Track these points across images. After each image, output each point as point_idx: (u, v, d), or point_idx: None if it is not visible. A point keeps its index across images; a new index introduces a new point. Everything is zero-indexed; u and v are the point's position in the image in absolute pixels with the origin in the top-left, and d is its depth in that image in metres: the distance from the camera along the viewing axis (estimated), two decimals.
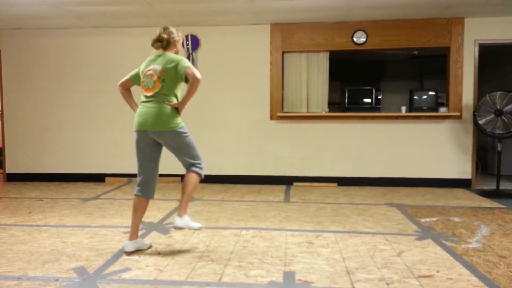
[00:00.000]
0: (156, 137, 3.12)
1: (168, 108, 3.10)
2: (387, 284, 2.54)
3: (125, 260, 2.96)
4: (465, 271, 2.75)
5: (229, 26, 6.05)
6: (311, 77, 6.12)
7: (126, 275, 2.68)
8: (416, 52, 6.94)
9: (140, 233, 3.61)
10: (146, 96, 3.15)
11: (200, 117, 6.22)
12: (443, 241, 3.40)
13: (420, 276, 2.66)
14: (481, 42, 5.78)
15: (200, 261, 2.94)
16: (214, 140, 6.15)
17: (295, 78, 6.14)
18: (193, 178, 3.16)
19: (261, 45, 6.12)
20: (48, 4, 5.12)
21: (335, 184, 6.10)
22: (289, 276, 2.68)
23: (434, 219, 4.16)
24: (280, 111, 6.10)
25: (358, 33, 5.93)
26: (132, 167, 6.34)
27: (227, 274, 2.71)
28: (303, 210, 4.56)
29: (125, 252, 3.11)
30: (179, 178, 6.33)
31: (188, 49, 6.16)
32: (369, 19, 5.88)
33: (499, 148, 5.50)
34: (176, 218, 3.09)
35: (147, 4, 5.13)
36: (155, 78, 3.09)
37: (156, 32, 3.18)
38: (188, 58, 6.15)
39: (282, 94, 6.13)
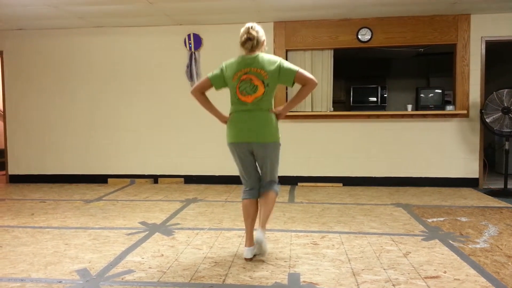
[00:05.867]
0: (256, 147, 2.87)
1: (273, 117, 2.89)
2: (393, 285, 2.50)
3: (128, 262, 2.93)
4: (472, 271, 2.71)
5: (231, 25, 6.01)
6: (316, 76, 6.04)
7: (129, 277, 2.65)
8: (422, 50, 6.88)
9: (143, 234, 3.61)
10: (245, 104, 2.84)
11: (202, 117, 6.18)
12: (450, 242, 3.35)
13: (427, 277, 2.62)
14: (487, 39, 5.71)
15: (204, 263, 2.91)
16: (217, 139, 6.10)
17: None
18: (273, 196, 2.99)
19: None
20: (50, 4, 5.11)
21: (340, 184, 6.05)
22: (294, 277, 2.64)
23: (441, 219, 4.10)
24: None
25: (363, 31, 5.88)
26: (134, 167, 6.37)
27: (231, 275, 2.67)
28: (308, 210, 4.52)
29: (245, 259, 2.96)
30: (182, 179, 6.32)
31: (190, 48, 6.13)
32: (374, 16, 5.82)
33: (506, 147, 5.44)
34: (260, 232, 2.88)
35: (149, 3, 5.10)
36: (257, 82, 2.80)
37: (238, 31, 2.90)
38: (191, 57, 6.13)
39: (286, 93, 6.08)
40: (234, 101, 2.91)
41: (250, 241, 2.99)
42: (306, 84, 2.83)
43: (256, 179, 3.04)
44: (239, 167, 3.03)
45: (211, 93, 3.03)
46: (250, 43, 2.83)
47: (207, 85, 2.95)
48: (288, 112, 3.02)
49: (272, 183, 3.02)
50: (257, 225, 3.02)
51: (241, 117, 2.87)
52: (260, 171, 3.04)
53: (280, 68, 2.82)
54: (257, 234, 2.89)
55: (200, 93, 2.97)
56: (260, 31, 2.89)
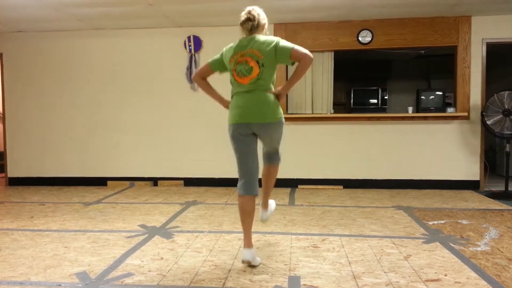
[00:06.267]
0: (258, 128, 2.84)
1: (272, 97, 2.85)
2: None
3: (128, 265, 2.92)
4: (473, 274, 2.70)
5: (231, 27, 6.00)
6: (316, 78, 6.06)
7: (128, 281, 2.64)
8: (422, 51, 6.87)
9: (142, 237, 3.60)
10: (242, 85, 2.84)
11: (202, 119, 6.18)
12: (451, 244, 3.34)
13: (427, 280, 2.60)
14: (488, 40, 5.70)
15: (204, 266, 2.90)
16: (217, 142, 6.11)
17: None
18: (276, 171, 3.07)
19: None
20: (50, 6, 5.11)
21: (341, 187, 6.03)
22: (294, 280, 2.63)
23: (442, 221, 4.09)
24: (284, 112, 6.04)
25: (364, 32, 5.88)
26: (133, 170, 6.36)
27: (231, 279, 2.66)
28: (308, 213, 4.50)
29: (242, 261, 2.86)
30: (182, 182, 6.31)
31: (190, 50, 6.13)
32: (375, 18, 5.82)
33: (507, 149, 5.42)
34: (263, 212, 3.00)
35: (149, 5, 5.10)
36: (252, 63, 2.78)
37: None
38: (191, 59, 6.12)
39: (286, 95, 6.05)
40: (233, 83, 2.92)
41: (249, 242, 2.90)
42: (301, 61, 2.75)
43: (254, 170, 2.93)
44: (237, 155, 2.93)
45: (214, 80, 3.05)
46: (250, 23, 2.80)
47: (207, 70, 2.98)
48: (288, 91, 2.98)
49: (275, 156, 3.07)
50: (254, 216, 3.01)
51: (241, 98, 2.85)
52: (264, 146, 3.08)
53: (276, 48, 2.77)
54: (262, 215, 2.96)
55: (201, 79, 3.00)
56: (261, 14, 2.86)
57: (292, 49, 2.74)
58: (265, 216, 3.10)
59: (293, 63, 2.83)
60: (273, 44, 2.78)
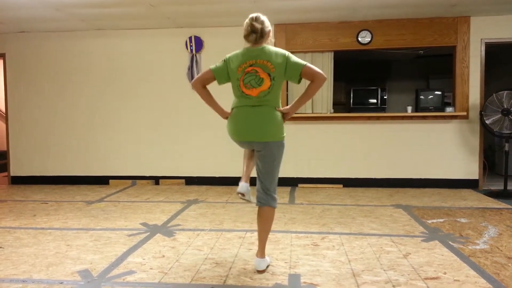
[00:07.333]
0: (260, 147, 2.69)
1: (279, 115, 2.70)
2: (393, 286, 2.51)
3: (130, 263, 2.94)
4: (472, 272, 2.72)
5: (232, 27, 6.04)
6: None
7: (130, 278, 2.67)
8: (421, 52, 6.90)
9: (144, 235, 3.63)
10: (249, 98, 2.66)
11: (203, 119, 6.20)
12: (450, 243, 3.36)
13: (426, 278, 2.63)
14: (487, 40, 5.72)
15: (205, 264, 2.93)
16: (218, 141, 6.13)
17: None
18: (272, 214, 2.81)
19: None
20: (52, 7, 5.14)
21: (341, 186, 6.06)
22: (294, 278, 2.65)
23: (441, 220, 4.11)
24: None
25: (363, 33, 5.90)
26: (135, 169, 6.38)
27: (231, 277, 2.69)
28: (308, 211, 4.53)
29: (238, 193, 2.83)
30: (183, 181, 6.33)
31: (191, 50, 6.15)
32: (374, 19, 5.84)
33: (506, 148, 5.45)
34: (259, 260, 2.77)
35: (151, 6, 5.13)
36: (263, 75, 2.62)
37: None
38: (192, 59, 6.15)
39: (287, 95, 6.10)
40: (238, 95, 2.72)
41: (246, 177, 2.88)
42: (314, 80, 2.62)
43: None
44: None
45: (214, 87, 2.93)
46: (254, 35, 2.66)
47: (210, 77, 2.76)
48: (296, 111, 2.83)
49: (269, 197, 2.78)
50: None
51: (243, 113, 2.68)
52: (258, 176, 2.82)
53: (287, 62, 2.64)
54: (258, 263, 2.78)
55: (202, 86, 2.77)
56: (265, 21, 2.72)
57: (305, 66, 2.63)
58: (262, 265, 2.78)
59: (299, 81, 2.70)
60: (283, 57, 2.66)
